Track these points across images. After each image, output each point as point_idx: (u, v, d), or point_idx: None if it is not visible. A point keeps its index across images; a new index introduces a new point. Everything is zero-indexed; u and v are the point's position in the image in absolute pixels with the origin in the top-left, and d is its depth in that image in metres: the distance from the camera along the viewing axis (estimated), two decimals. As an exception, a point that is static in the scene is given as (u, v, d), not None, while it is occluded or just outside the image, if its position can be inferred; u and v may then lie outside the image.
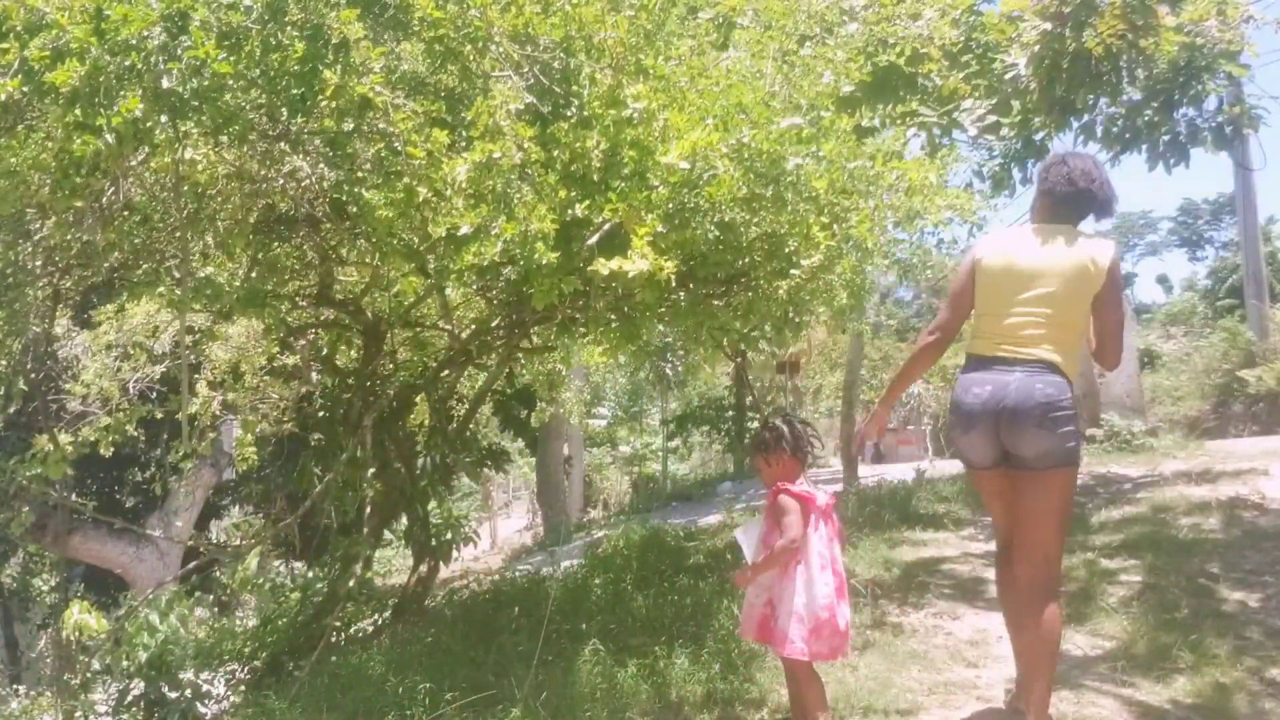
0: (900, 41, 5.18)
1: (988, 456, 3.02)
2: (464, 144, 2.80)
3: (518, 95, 2.75)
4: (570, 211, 2.87)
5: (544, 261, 2.68)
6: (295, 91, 2.62)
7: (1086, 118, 5.88)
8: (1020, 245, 3.09)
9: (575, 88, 3.05)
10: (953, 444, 3.23)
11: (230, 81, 2.52)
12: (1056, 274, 2.97)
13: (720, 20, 4.08)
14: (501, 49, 2.91)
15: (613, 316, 3.90)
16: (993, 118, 5.73)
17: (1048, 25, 5.33)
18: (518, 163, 2.70)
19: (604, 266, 2.66)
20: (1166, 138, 5.67)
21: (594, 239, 2.90)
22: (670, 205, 2.90)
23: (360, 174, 2.92)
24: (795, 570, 2.94)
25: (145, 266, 3.68)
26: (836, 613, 2.93)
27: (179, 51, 2.40)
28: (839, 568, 3.02)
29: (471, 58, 2.96)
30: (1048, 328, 2.96)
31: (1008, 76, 5.56)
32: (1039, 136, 6.24)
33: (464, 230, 2.65)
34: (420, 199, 2.73)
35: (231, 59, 2.48)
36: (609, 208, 2.79)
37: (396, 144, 2.67)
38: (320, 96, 2.59)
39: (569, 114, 3.05)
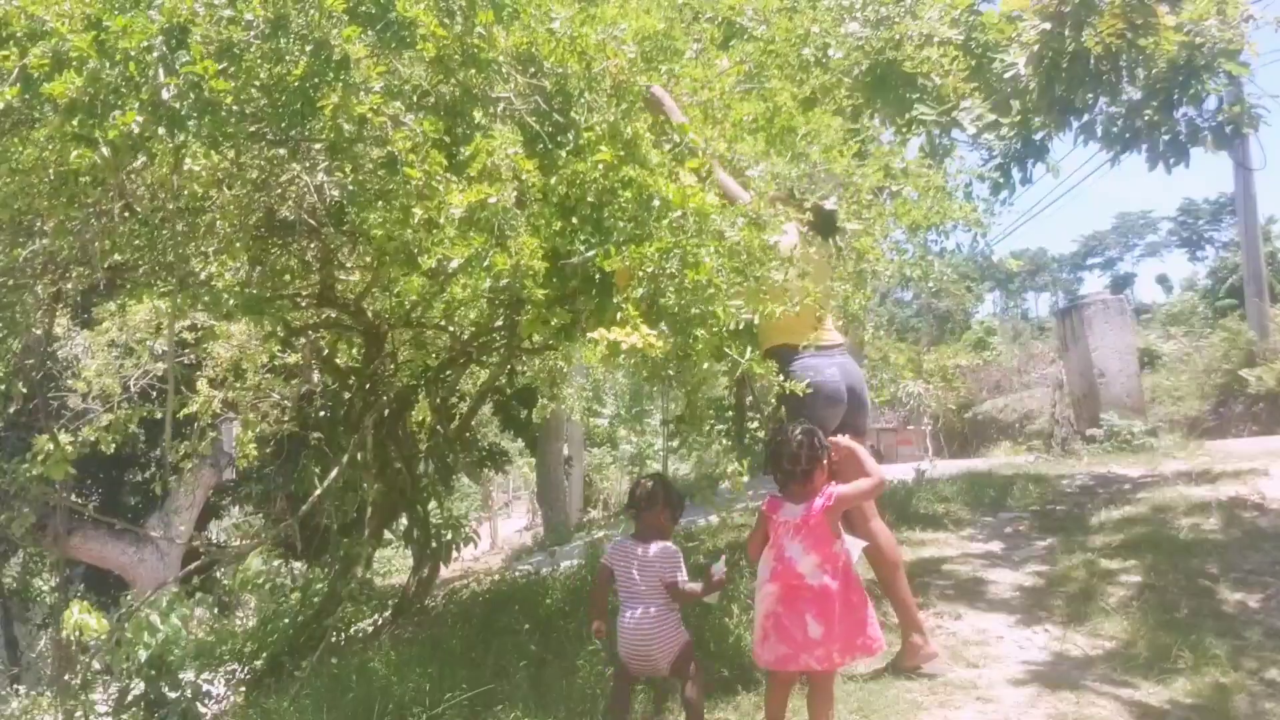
0: (900, 40, 5.19)
1: None
2: (462, 156, 2.79)
3: (517, 139, 2.74)
4: (563, 243, 2.87)
5: (533, 297, 2.69)
6: (295, 106, 2.61)
7: (1086, 117, 5.87)
8: None
9: (574, 114, 3.04)
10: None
11: (229, 96, 2.51)
12: None
13: (721, 20, 4.09)
14: (504, 70, 2.90)
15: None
16: (992, 117, 5.73)
17: (1047, 25, 5.33)
18: (513, 203, 2.69)
19: (603, 339, 2.65)
20: (1166, 137, 5.66)
21: (576, 260, 2.88)
22: (655, 269, 2.86)
23: (360, 180, 2.92)
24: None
25: (144, 268, 3.68)
26: (779, 623, 2.96)
27: (177, 66, 2.40)
28: (795, 579, 2.98)
29: (474, 81, 2.94)
30: None
31: (1007, 76, 5.56)
32: (1039, 136, 6.24)
33: (454, 263, 2.65)
34: (416, 220, 2.71)
35: (231, 72, 2.48)
36: (605, 260, 2.78)
37: (396, 153, 2.66)
38: (320, 113, 2.58)
39: (566, 141, 3.04)
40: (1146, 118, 5.61)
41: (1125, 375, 11.70)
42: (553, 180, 2.91)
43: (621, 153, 2.85)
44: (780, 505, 3.07)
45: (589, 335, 2.75)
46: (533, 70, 2.97)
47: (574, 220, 2.94)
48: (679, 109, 3.19)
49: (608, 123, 2.88)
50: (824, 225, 3.67)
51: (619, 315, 2.71)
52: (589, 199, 2.91)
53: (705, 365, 3.07)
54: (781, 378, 3.34)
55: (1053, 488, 7.37)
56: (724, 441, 3.44)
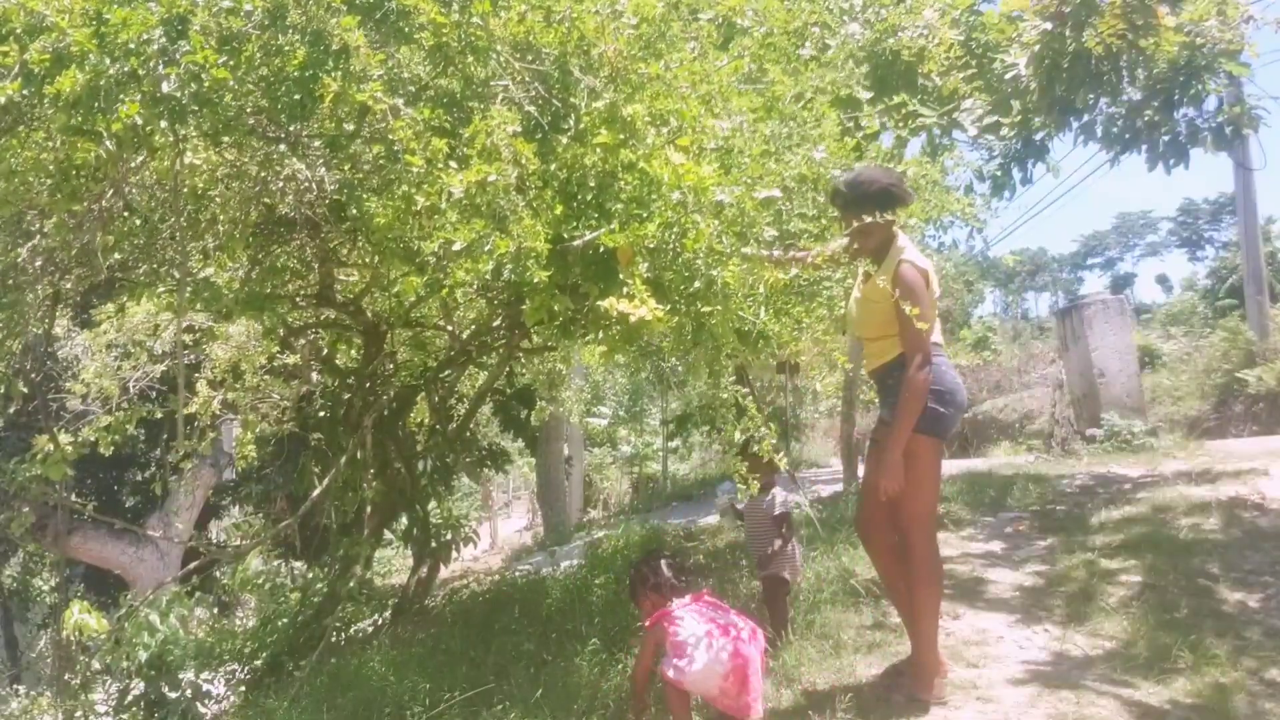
0: (901, 39, 5.19)
1: None
2: (463, 147, 2.79)
3: (515, 118, 2.74)
4: (565, 227, 2.87)
5: (536, 280, 2.69)
6: (295, 97, 2.61)
7: (1086, 118, 5.88)
8: None
9: (573, 99, 3.04)
10: (947, 421, 3.38)
11: (230, 86, 2.51)
12: None
13: (720, 21, 4.08)
14: (502, 58, 2.89)
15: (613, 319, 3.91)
16: (993, 118, 5.73)
17: (1048, 25, 5.34)
18: (514, 182, 2.68)
19: (613, 308, 2.64)
20: (1166, 138, 5.67)
21: (578, 243, 2.88)
22: (656, 244, 2.86)
23: (360, 175, 2.92)
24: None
25: (145, 268, 3.68)
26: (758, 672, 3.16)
27: (178, 56, 2.40)
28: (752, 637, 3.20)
29: (473, 67, 2.94)
30: None
31: (1008, 76, 5.56)
32: (1039, 136, 6.25)
33: (457, 246, 2.65)
34: (418, 207, 2.72)
35: (230, 64, 2.48)
36: (608, 236, 2.78)
37: (396, 146, 2.66)
38: (320, 103, 2.59)
39: (566, 127, 3.04)
40: (1146, 118, 5.62)
41: (1125, 375, 11.71)
42: (553, 166, 2.91)
43: (621, 136, 2.84)
44: (671, 605, 3.26)
45: (599, 304, 2.73)
46: (530, 57, 2.97)
47: (575, 205, 2.93)
48: (666, 99, 3.10)
49: (607, 103, 2.87)
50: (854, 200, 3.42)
51: (626, 290, 2.70)
52: (590, 183, 2.90)
53: (726, 338, 3.03)
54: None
55: (1053, 488, 7.37)
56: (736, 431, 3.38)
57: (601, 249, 2.83)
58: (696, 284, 2.82)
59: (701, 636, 3.08)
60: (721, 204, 2.80)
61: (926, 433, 3.32)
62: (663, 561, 3.48)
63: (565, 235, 2.87)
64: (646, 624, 3.30)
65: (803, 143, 3.41)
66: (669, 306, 2.81)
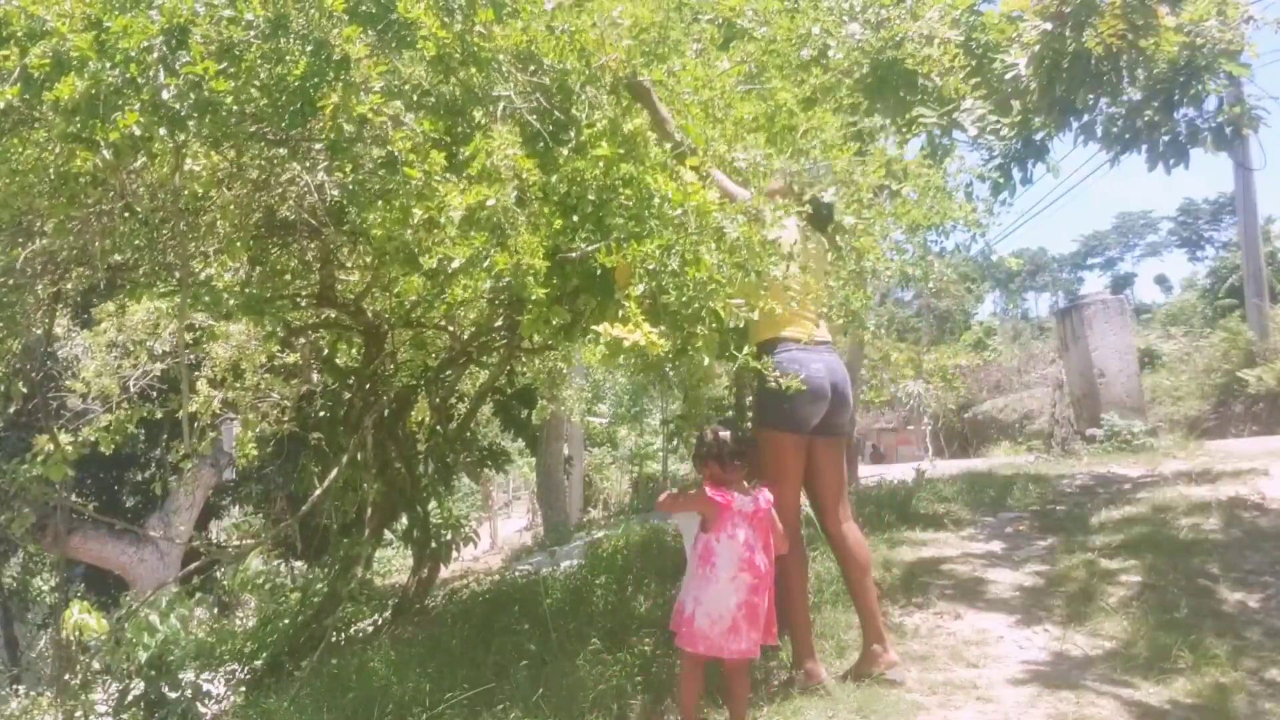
0: (901, 40, 5.19)
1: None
2: (463, 158, 2.78)
3: (516, 140, 2.74)
4: (563, 240, 2.88)
5: (533, 296, 2.70)
6: (296, 105, 2.61)
7: (1086, 118, 5.87)
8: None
9: (575, 111, 3.04)
10: (797, 416, 3.55)
11: (228, 97, 2.51)
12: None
13: (721, 22, 4.09)
14: (504, 68, 2.89)
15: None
16: (993, 118, 5.73)
17: (1048, 25, 5.33)
18: (513, 202, 2.69)
19: (607, 334, 2.66)
20: (1166, 138, 5.66)
21: (576, 255, 2.88)
22: (656, 266, 2.88)
23: (360, 178, 2.92)
24: (705, 571, 3.24)
25: (145, 268, 3.69)
26: (754, 611, 3.20)
27: (177, 66, 2.40)
28: (765, 567, 3.27)
29: (474, 80, 2.94)
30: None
31: (1008, 76, 5.56)
32: (1039, 136, 6.25)
33: (456, 264, 2.65)
34: (416, 220, 2.73)
35: (231, 71, 2.48)
36: (604, 256, 2.78)
37: (396, 155, 2.66)
38: (321, 112, 2.58)
39: (567, 138, 3.04)
40: (1146, 118, 5.61)
41: (1125, 375, 11.71)
42: (553, 179, 2.91)
43: (621, 150, 2.84)
44: (730, 495, 3.27)
45: (593, 329, 2.75)
46: (533, 68, 2.97)
47: (574, 218, 2.94)
48: (668, 105, 3.17)
49: (608, 119, 2.87)
50: (821, 218, 3.69)
51: (620, 313, 2.71)
52: (589, 196, 2.91)
53: (706, 362, 3.09)
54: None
55: (1053, 488, 7.37)
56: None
57: (599, 268, 2.85)
58: (694, 307, 2.85)
59: (732, 574, 3.17)
60: (724, 231, 2.83)
61: (775, 427, 3.56)
62: (724, 432, 3.47)
63: (564, 248, 2.88)
64: (707, 488, 3.32)
65: (814, 182, 3.46)
66: (663, 326, 2.83)
